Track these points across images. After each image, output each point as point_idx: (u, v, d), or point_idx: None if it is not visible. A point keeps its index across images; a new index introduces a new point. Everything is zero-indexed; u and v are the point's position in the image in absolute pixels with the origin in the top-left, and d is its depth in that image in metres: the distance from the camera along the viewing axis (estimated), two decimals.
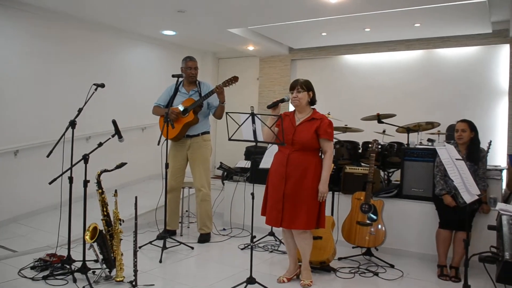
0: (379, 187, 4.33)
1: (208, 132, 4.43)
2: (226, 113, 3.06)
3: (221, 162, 5.50)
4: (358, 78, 6.77)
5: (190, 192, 5.19)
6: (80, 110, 3.39)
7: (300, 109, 3.22)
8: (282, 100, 3.16)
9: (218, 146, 8.02)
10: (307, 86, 3.20)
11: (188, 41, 6.90)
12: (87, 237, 3.16)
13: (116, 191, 3.24)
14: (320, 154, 3.24)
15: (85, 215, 3.21)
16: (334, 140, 5.44)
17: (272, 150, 4.17)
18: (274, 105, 3.14)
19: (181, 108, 4.24)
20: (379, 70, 6.59)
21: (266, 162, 4.27)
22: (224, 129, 3.24)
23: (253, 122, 3.00)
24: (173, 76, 4.13)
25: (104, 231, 3.25)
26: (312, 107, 3.28)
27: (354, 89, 6.80)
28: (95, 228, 3.21)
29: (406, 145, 4.65)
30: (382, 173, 4.87)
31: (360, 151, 5.02)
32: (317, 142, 3.14)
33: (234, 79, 4.15)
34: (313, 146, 3.13)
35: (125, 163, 3.32)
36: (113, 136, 3.36)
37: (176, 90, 4.31)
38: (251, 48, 6.86)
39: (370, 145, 4.12)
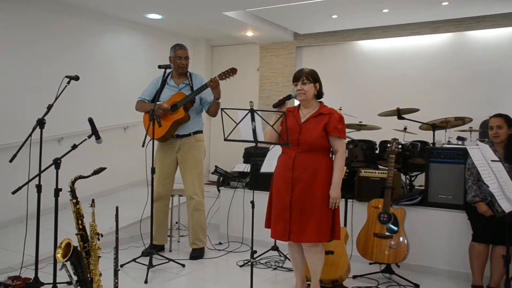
0: (400, 193, 4.31)
1: (201, 131, 4.42)
2: (222, 109, 3.05)
3: (216, 166, 5.50)
4: (375, 67, 6.76)
5: (181, 201, 5.18)
6: (50, 107, 3.37)
7: (305, 104, 3.21)
8: (289, 97, 3.14)
9: (213, 147, 8.01)
10: (313, 77, 3.19)
11: (177, 26, 6.89)
12: (58, 255, 3.13)
13: (93, 200, 3.21)
14: (330, 155, 3.23)
15: (56, 230, 3.18)
16: (347, 139, 5.45)
17: (275, 152, 4.16)
18: (280, 104, 3.13)
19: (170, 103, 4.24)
20: (400, 58, 6.57)
21: (269, 165, 4.26)
22: (220, 127, 3.23)
23: (253, 119, 2.99)
24: (160, 67, 4.12)
25: (79, 248, 3.22)
26: (319, 100, 3.27)
27: (370, 80, 6.78)
28: (68, 245, 3.18)
29: (431, 145, 4.63)
30: (403, 177, 4.86)
31: (377, 152, 4.99)
32: (326, 140, 3.12)
33: (232, 71, 4.14)
34: (322, 146, 3.11)
35: (104, 168, 3.28)
36: (89, 136, 3.35)
37: (164, 82, 4.30)
38: (250, 34, 6.84)
39: (389, 145, 4.11)
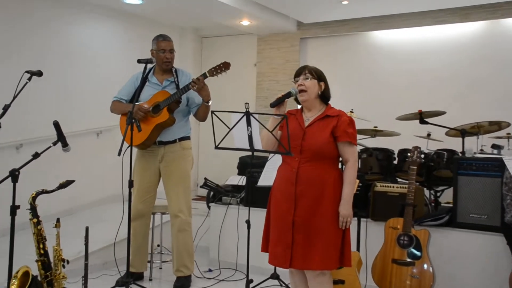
0: (423, 211, 4.30)
1: (188, 138, 4.44)
2: (212, 112, 3.05)
3: (205, 179, 5.49)
4: (393, 62, 6.76)
5: (164, 220, 5.16)
6: (6, 108, 3.32)
7: (308, 105, 3.21)
8: (289, 95, 3.16)
9: (202, 156, 7.99)
10: (317, 73, 3.21)
11: (160, 13, 6.88)
12: (13, 287, 3.09)
13: (58, 220, 3.21)
14: (340, 165, 3.21)
15: (11, 255, 3.12)
16: (360, 147, 5.46)
17: (275, 162, 4.16)
18: (279, 103, 3.14)
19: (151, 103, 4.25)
20: (422, 51, 6.58)
21: (267, 178, 4.25)
22: (210, 133, 3.25)
23: (249, 124, 2.98)
24: (140, 61, 4.12)
25: (39, 277, 3.19)
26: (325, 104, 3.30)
27: (386, 77, 6.79)
28: (26, 274, 3.15)
29: (460, 154, 4.62)
30: (427, 192, 4.84)
31: (395, 162, 4.98)
32: (334, 147, 3.11)
33: (224, 66, 4.17)
34: (329, 154, 3.10)
35: (72, 181, 3.28)
36: (55, 143, 3.31)
37: (144, 79, 4.34)
38: (245, 23, 6.84)
39: (409, 154, 4.10)
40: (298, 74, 3.22)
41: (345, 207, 3.06)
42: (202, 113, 4.35)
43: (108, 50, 6.72)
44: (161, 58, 4.33)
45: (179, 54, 7.64)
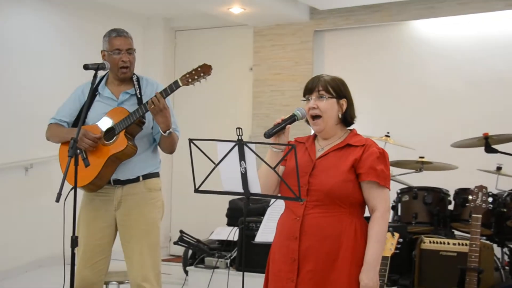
0: (492, 279, 4.34)
1: (156, 175, 4.41)
2: (190, 140, 3.05)
3: (181, 232, 5.54)
4: (444, 64, 6.84)
5: None
6: None
7: (326, 134, 3.22)
8: (293, 119, 3.15)
9: (177, 201, 8.02)
10: (336, 88, 3.18)
11: None
12: None
13: None
14: (363, 214, 3.20)
15: None
16: (401, 187, 5.46)
17: (279, 208, 4.15)
18: (277, 131, 3.15)
19: (103, 125, 4.27)
20: (488, 50, 6.64)
21: (268, 230, 4.28)
22: (188, 168, 3.27)
23: (242, 158, 3.00)
24: (87, 67, 4.15)
25: None
26: (348, 128, 3.27)
27: (436, 86, 6.85)
28: None
29: None
30: (497, 250, 4.87)
31: (451, 207, 5.03)
32: (356, 189, 3.11)
33: (204, 71, 4.14)
34: (347, 198, 3.10)
35: None
36: None
37: (94, 92, 4.32)
38: (237, 10, 6.94)
39: (471, 197, 4.15)
40: (309, 90, 3.19)
41: (369, 274, 3.04)
42: (164, 144, 4.32)
43: (44, 50, 6.78)
44: (115, 62, 4.25)
45: (143, 55, 7.71)
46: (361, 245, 3.10)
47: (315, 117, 3.15)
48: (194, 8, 7.05)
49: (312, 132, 3.33)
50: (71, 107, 4.41)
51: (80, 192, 4.22)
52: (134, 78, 4.39)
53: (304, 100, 3.21)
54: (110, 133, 4.23)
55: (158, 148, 4.47)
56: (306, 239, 3.11)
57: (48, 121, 4.44)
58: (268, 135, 3.09)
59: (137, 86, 4.38)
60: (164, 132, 4.16)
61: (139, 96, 4.34)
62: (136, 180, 4.33)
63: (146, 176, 4.36)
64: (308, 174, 3.13)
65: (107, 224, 4.36)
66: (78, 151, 3.94)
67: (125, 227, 4.33)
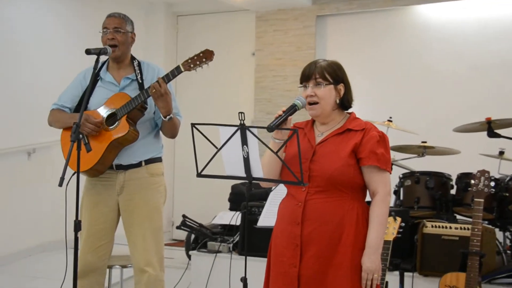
0: (494, 263, 4.33)
1: (158, 160, 4.43)
2: (193, 125, 3.05)
3: (184, 216, 5.53)
4: (449, 50, 6.84)
5: (125, 275, 5.16)
6: None
7: (323, 119, 3.23)
8: (293, 109, 3.14)
9: (180, 185, 8.03)
10: (333, 74, 3.19)
11: None
12: None
13: None
14: (365, 198, 3.23)
15: None
16: (403, 171, 5.46)
17: (282, 193, 4.16)
18: (280, 123, 3.10)
19: (104, 112, 4.28)
20: (494, 34, 6.64)
21: (270, 215, 4.28)
22: (190, 153, 3.26)
23: (244, 142, 3.01)
24: (89, 52, 4.14)
25: None
26: (347, 112, 3.28)
27: (439, 72, 6.86)
28: None
29: None
30: (499, 235, 4.89)
31: (453, 192, 5.02)
32: (357, 173, 3.13)
33: (206, 56, 4.14)
34: (349, 182, 3.12)
35: None
36: None
37: (96, 77, 4.31)
38: None
39: (473, 181, 4.14)
40: (306, 78, 3.20)
41: (371, 257, 3.07)
42: (165, 129, 4.33)
43: (46, 37, 6.77)
44: (104, 41, 4.26)
45: (145, 40, 7.71)
46: (363, 229, 3.13)
47: (313, 103, 3.16)
48: None
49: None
50: (73, 93, 4.43)
51: (83, 178, 4.25)
52: (135, 63, 4.41)
53: (301, 87, 3.22)
54: (112, 118, 4.24)
55: (160, 133, 4.48)
56: (309, 224, 3.13)
57: (50, 107, 4.45)
58: (271, 128, 3.09)
59: (138, 71, 4.39)
60: (165, 117, 4.17)
61: (140, 81, 4.34)
62: (139, 165, 4.35)
63: (148, 161, 4.37)
64: (309, 160, 3.15)
65: (110, 208, 4.38)
66: (81, 135, 3.92)
67: (127, 212, 4.36)
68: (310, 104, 3.16)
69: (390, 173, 3.16)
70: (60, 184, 3.58)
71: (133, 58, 4.40)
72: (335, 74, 3.20)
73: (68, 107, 4.41)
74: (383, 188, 3.13)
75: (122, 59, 4.34)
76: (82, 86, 4.40)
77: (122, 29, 4.28)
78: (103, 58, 4.18)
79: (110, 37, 4.24)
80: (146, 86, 4.26)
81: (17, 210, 6.34)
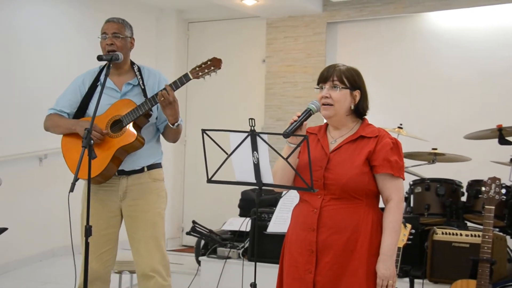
0: (505, 270, 4.31)
1: (159, 165, 4.41)
2: (203, 130, 3.05)
3: (194, 222, 5.52)
4: (459, 57, 6.81)
5: (134, 281, 5.13)
6: None
7: (335, 122, 3.22)
8: (308, 113, 3.14)
9: (190, 191, 7.96)
10: (351, 79, 3.19)
11: None
12: None
13: None
14: (379, 204, 3.22)
15: None
16: (413, 178, 5.44)
17: (291, 199, 4.17)
18: (295, 129, 3.09)
19: (107, 119, 4.23)
20: (502, 41, 6.62)
21: (280, 221, 4.29)
22: (199, 158, 3.25)
23: (255, 148, 3.01)
24: (100, 58, 4.13)
25: None
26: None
27: (450, 79, 6.82)
28: None
29: None
30: (510, 242, 4.82)
31: (464, 199, 4.99)
32: (371, 181, 3.13)
33: (214, 64, 4.13)
34: (363, 190, 3.12)
35: (5, 229, 3.27)
36: None
37: (104, 83, 4.27)
38: (250, 1, 6.93)
39: (484, 188, 4.12)
40: (323, 79, 3.19)
41: (386, 264, 3.07)
42: (170, 134, 4.31)
43: (58, 42, 6.78)
44: (103, 46, 4.24)
45: (156, 46, 7.74)
46: (377, 236, 3.13)
47: (327, 104, 3.15)
48: (207, 0, 7.01)
49: (324, 121, 3.33)
50: (71, 98, 4.37)
51: (81, 184, 4.20)
52: (135, 68, 4.38)
53: (317, 88, 3.22)
54: (117, 125, 4.22)
55: (160, 139, 4.46)
56: (324, 231, 3.13)
57: (47, 111, 4.39)
58: (287, 134, 3.08)
59: (140, 77, 4.36)
60: (172, 124, 4.17)
61: (142, 87, 4.31)
62: (141, 170, 4.32)
63: (151, 167, 4.36)
64: (323, 168, 3.15)
65: (113, 214, 4.36)
66: (92, 141, 3.91)
67: (131, 217, 4.34)
68: (324, 105, 3.15)
69: (404, 179, 3.16)
70: (72, 190, 3.59)
71: (132, 63, 4.37)
72: (353, 80, 3.19)
73: (67, 113, 4.33)
74: (397, 195, 3.13)
75: (121, 65, 4.29)
76: (80, 91, 4.35)
77: (121, 34, 4.26)
78: (101, 62, 4.17)
79: (109, 43, 4.21)
80: (148, 92, 4.26)
81: (29, 215, 6.34)
